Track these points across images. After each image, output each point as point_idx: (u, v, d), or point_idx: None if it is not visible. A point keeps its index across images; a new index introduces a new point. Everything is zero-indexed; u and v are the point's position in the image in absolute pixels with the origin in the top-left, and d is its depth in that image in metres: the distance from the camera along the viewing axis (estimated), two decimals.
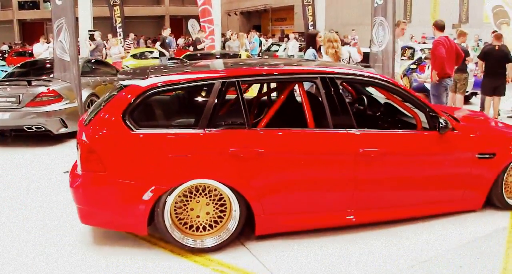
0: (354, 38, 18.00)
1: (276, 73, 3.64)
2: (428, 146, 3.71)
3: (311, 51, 6.04)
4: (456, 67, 7.06)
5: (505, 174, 3.94)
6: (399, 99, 3.90)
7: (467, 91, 9.03)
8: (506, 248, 3.42)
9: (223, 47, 17.46)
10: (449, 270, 3.12)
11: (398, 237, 3.61)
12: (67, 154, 6.04)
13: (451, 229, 3.72)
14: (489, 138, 3.97)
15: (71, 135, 6.80)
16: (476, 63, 9.08)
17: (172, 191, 3.21)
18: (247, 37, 17.88)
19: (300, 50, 16.45)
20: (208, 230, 3.39)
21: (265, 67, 3.79)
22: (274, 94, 4.94)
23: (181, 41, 26.11)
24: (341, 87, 3.58)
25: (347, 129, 3.49)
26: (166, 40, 13.18)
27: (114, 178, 3.18)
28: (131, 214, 3.24)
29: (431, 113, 3.68)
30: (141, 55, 14.69)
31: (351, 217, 3.60)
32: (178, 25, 34.21)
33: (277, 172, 3.37)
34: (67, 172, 5.42)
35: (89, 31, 14.80)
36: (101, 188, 3.22)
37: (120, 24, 17.47)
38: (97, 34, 13.28)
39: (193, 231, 3.38)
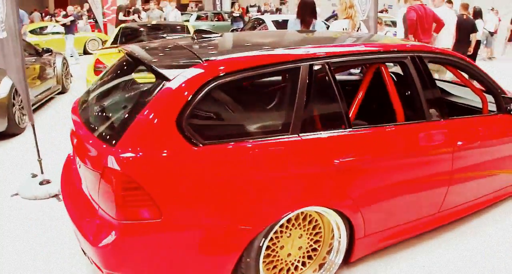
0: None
1: (366, 53, 2.68)
2: (507, 130, 3.31)
3: (322, 24, 5.04)
4: None
5: None
6: (468, 80, 3.41)
7: None
8: None
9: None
10: None
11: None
12: (3, 166, 4.50)
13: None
14: None
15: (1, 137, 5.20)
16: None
17: (269, 231, 2.17)
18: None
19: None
20: (301, 268, 2.49)
21: (356, 46, 2.81)
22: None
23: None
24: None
25: (443, 118, 2.82)
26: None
27: (175, 226, 1.98)
28: (203, 272, 2.15)
29: (504, 96, 3.25)
30: (42, 30, 12.58)
31: (440, 217, 3.03)
32: None
33: (381, 182, 2.52)
34: (16, 194, 3.96)
35: None
36: (154, 243, 1.99)
37: None
38: None
39: None
